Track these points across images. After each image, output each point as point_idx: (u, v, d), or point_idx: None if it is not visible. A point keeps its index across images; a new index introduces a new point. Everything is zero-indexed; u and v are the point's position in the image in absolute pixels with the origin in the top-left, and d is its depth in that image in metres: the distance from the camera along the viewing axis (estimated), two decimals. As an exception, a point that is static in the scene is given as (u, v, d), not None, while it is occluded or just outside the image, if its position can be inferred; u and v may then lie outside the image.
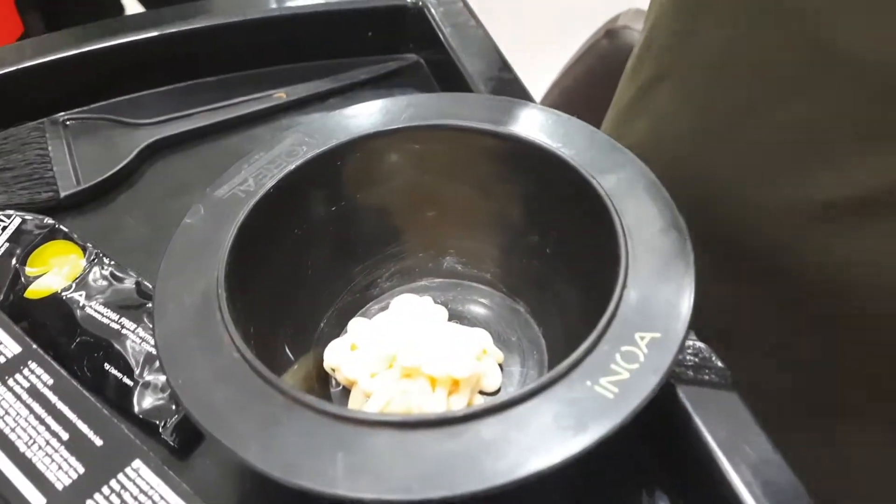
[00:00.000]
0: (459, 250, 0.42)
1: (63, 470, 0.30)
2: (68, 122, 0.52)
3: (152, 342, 0.38)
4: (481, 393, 0.37)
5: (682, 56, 0.42)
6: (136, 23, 0.56)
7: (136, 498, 0.29)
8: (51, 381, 0.33)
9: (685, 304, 0.30)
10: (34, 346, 0.34)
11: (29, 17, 1.13)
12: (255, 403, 0.28)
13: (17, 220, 0.43)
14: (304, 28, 0.57)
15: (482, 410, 0.27)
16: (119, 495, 0.29)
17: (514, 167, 0.39)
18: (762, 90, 0.38)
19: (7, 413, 0.32)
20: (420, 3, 0.57)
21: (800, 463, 0.30)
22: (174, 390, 0.29)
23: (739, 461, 0.30)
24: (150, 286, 0.41)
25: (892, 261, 0.36)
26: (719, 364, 0.34)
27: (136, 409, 0.37)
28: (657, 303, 0.30)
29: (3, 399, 0.32)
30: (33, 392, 0.32)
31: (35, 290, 0.40)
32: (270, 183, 0.37)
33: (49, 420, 0.32)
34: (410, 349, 0.35)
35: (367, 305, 0.41)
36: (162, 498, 0.29)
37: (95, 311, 0.39)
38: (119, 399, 0.37)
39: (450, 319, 0.40)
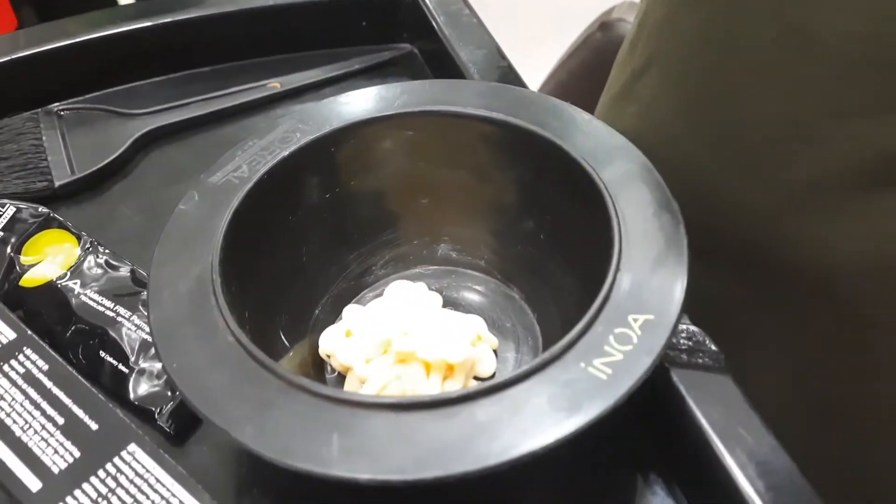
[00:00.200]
0: (454, 237, 0.42)
1: (59, 454, 0.30)
2: (62, 113, 0.52)
3: (147, 330, 0.38)
4: (476, 378, 0.37)
5: (668, 42, 0.42)
6: (131, 13, 0.56)
7: (131, 481, 0.29)
8: (46, 367, 0.33)
9: (678, 286, 0.30)
10: (29, 332, 0.34)
11: (23, 12, 1.13)
12: (250, 386, 0.29)
13: (12, 209, 0.43)
14: (298, 17, 0.57)
15: (477, 392, 0.27)
16: (115, 478, 0.29)
17: (508, 153, 0.39)
18: (739, 72, 0.38)
19: (2, 398, 0.32)
20: (414, -7, 0.57)
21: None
22: (170, 375, 0.29)
23: (734, 443, 0.30)
24: (145, 274, 0.41)
25: (873, 242, 0.36)
26: (713, 347, 0.34)
27: (132, 395, 0.37)
28: (650, 286, 0.30)
29: (-1, 385, 0.32)
30: (28, 377, 0.33)
31: (30, 279, 0.40)
32: (264, 169, 0.37)
33: (44, 405, 0.32)
34: (405, 335, 0.36)
35: (362, 293, 0.41)
36: (158, 481, 0.30)
37: (90, 299, 0.39)
38: (115, 386, 0.37)
39: (444, 306, 0.40)
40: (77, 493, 0.29)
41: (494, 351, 0.38)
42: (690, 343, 0.34)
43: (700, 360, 0.33)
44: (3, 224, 0.42)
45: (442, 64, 0.54)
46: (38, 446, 0.30)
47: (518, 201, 0.40)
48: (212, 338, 0.30)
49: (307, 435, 0.27)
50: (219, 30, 0.56)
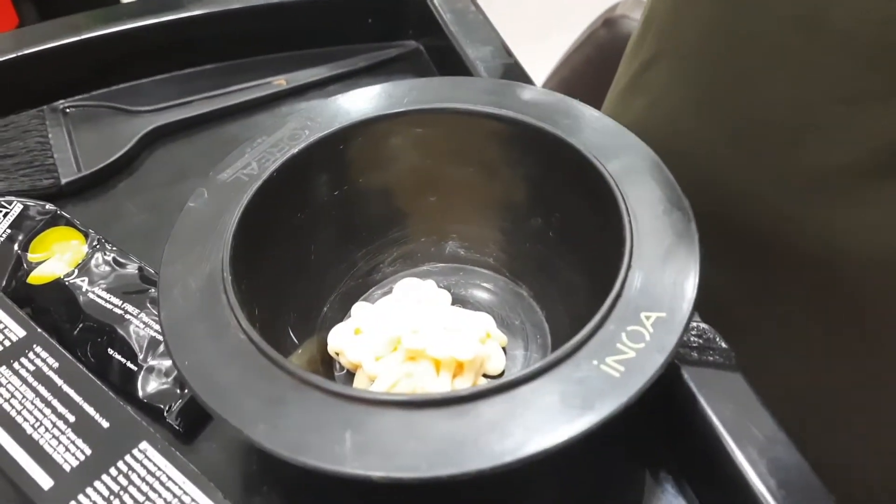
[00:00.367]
0: (462, 235, 0.42)
1: (70, 452, 0.30)
2: (68, 110, 0.52)
3: (156, 327, 0.38)
4: (485, 376, 0.37)
5: (677, 32, 0.42)
6: (136, 10, 0.56)
7: (143, 479, 0.29)
8: (56, 365, 0.33)
9: (690, 284, 0.30)
10: (38, 329, 0.34)
11: (24, 9, 1.13)
12: (261, 383, 0.28)
13: (19, 207, 0.43)
14: (304, 15, 0.57)
15: (489, 389, 0.27)
16: (127, 476, 0.29)
17: (517, 150, 0.39)
18: (749, 59, 0.38)
19: (13, 396, 0.32)
20: (420, -10, 0.57)
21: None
22: (181, 372, 0.29)
23: (745, 440, 0.30)
24: (153, 272, 0.41)
25: (880, 231, 0.36)
26: (723, 345, 0.34)
27: (141, 393, 0.37)
28: (662, 283, 0.30)
29: (10, 382, 0.32)
30: (39, 375, 0.32)
31: (38, 276, 0.40)
32: (274, 166, 0.36)
33: (55, 403, 0.32)
34: (415, 332, 0.36)
35: (370, 290, 0.41)
36: (170, 478, 0.29)
37: (98, 296, 0.39)
38: (123, 384, 0.37)
39: (453, 304, 0.40)
40: (89, 490, 0.29)
41: (503, 348, 0.38)
42: (701, 340, 0.34)
43: (711, 358, 0.33)
44: (10, 221, 0.42)
45: (448, 61, 0.54)
46: (49, 444, 0.30)
47: (527, 198, 0.40)
48: (222, 335, 0.30)
49: (320, 432, 0.27)
50: (225, 27, 0.56)
